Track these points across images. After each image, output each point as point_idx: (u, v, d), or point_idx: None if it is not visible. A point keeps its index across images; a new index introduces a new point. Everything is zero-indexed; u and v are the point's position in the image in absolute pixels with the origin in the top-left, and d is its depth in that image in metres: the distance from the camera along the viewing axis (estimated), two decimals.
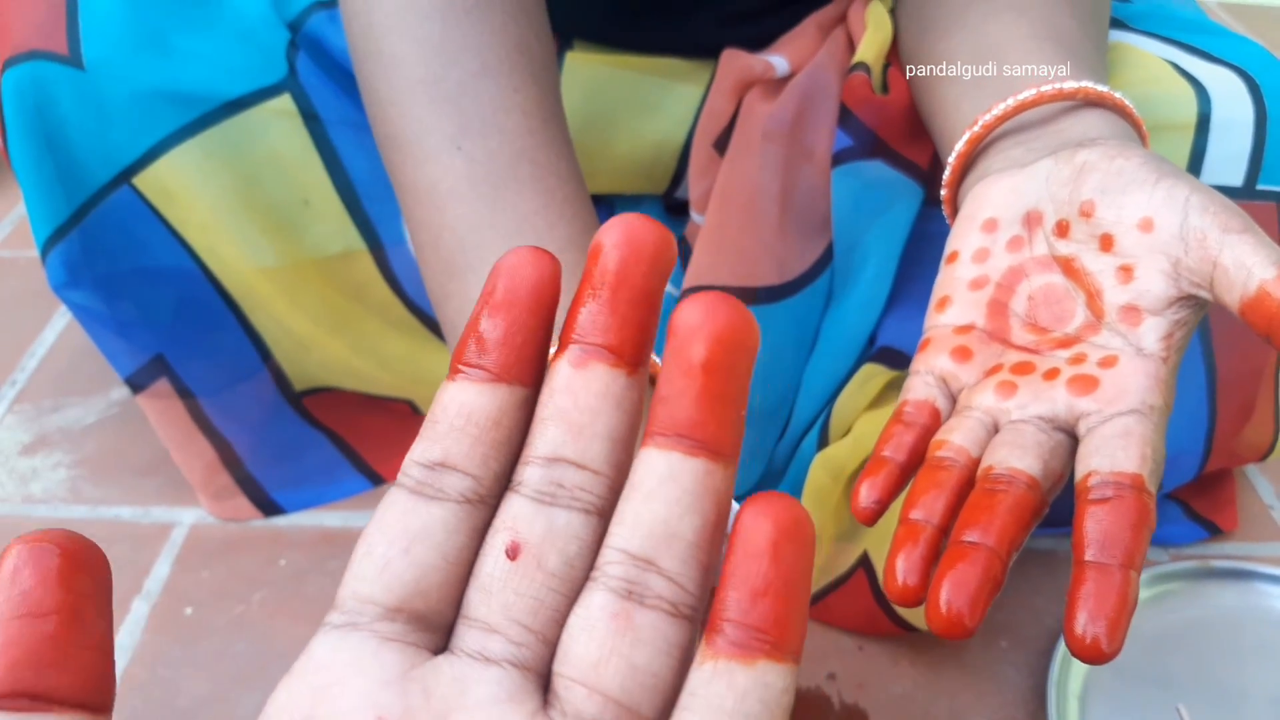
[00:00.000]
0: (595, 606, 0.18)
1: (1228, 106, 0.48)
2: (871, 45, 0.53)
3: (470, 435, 0.19)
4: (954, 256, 0.39)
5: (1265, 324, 0.30)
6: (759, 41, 0.58)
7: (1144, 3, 0.58)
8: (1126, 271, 0.34)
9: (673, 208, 0.62)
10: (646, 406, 0.19)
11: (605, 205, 0.62)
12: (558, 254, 0.39)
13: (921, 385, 0.36)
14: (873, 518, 0.34)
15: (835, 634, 0.58)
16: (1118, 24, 0.54)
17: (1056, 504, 0.32)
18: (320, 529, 0.65)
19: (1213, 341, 0.53)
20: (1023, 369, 0.35)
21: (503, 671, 0.18)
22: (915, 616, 0.54)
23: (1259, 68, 0.49)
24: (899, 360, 0.52)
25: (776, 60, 0.56)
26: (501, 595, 0.18)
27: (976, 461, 0.33)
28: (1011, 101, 0.39)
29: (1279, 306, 0.29)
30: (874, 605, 0.55)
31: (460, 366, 0.20)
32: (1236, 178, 0.48)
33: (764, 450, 0.55)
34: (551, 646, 0.18)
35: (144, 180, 0.53)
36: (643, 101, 0.57)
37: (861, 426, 0.51)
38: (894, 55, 0.54)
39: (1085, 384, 0.33)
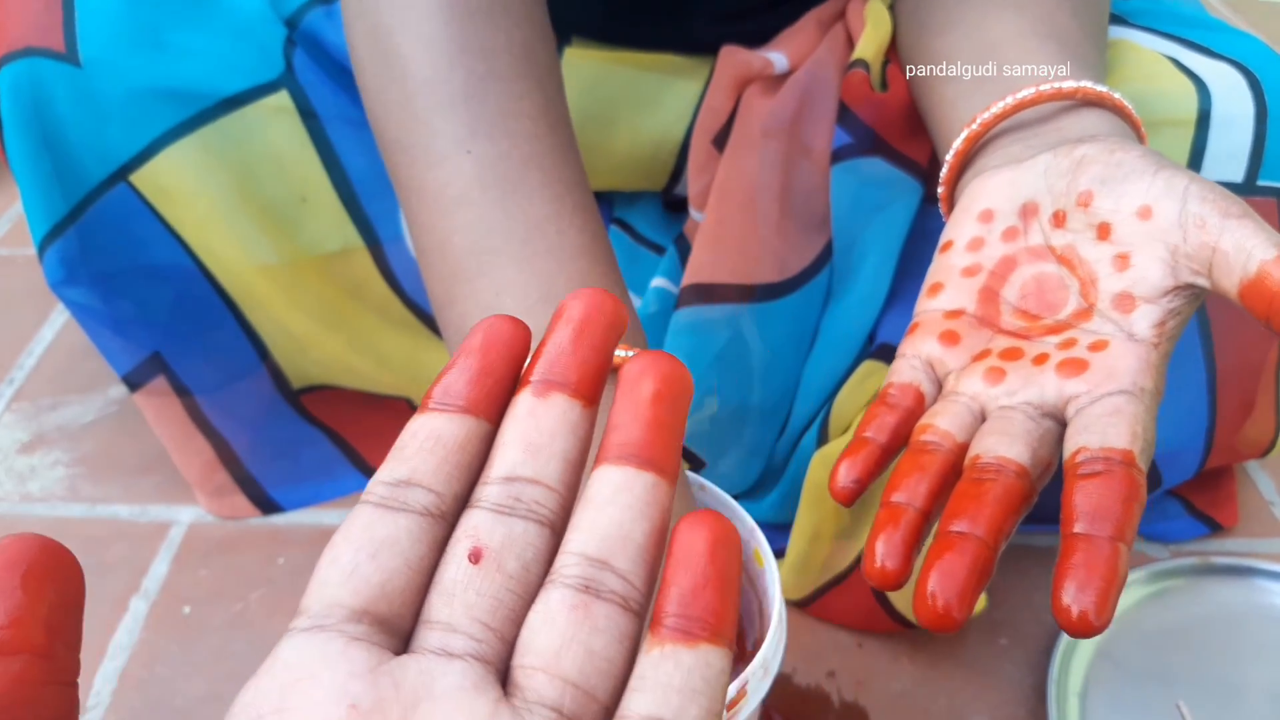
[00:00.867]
0: (555, 601, 0.19)
1: (1228, 102, 0.48)
2: (870, 42, 0.53)
3: (437, 455, 0.21)
4: (948, 245, 0.39)
5: (1265, 306, 0.29)
6: (758, 38, 0.58)
7: None
8: (1123, 259, 0.33)
9: (671, 204, 0.62)
10: (596, 444, 0.21)
11: (604, 201, 0.62)
12: (567, 262, 0.39)
13: (907, 368, 0.36)
14: (850, 497, 0.33)
15: (835, 631, 0.58)
16: (1118, 20, 0.54)
17: (1053, 501, 0.32)
18: (318, 527, 0.65)
19: (1213, 337, 0.52)
20: (1011, 354, 0.34)
21: (465, 664, 0.19)
22: None
23: (1259, 63, 0.49)
24: None
25: (775, 57, 0.56)
26: (464, 596, 0.19)
27: (962, 447, 0.33)
28: (1010, 100, 0.39)
29: (1279, 286, 0.29)
30: (873, 603, 0.55)
31: (431, 405, 0.21)
32: (1237, 174, 0.48)
33: (764, 447, 0.55)
34: (509, 645, 0.19)
35: (141, 177, 0.53)
36: (641, 98, 0.57)
37: None
38: (893, 52, 0.54)
39: (1075, 367, 0.32)
